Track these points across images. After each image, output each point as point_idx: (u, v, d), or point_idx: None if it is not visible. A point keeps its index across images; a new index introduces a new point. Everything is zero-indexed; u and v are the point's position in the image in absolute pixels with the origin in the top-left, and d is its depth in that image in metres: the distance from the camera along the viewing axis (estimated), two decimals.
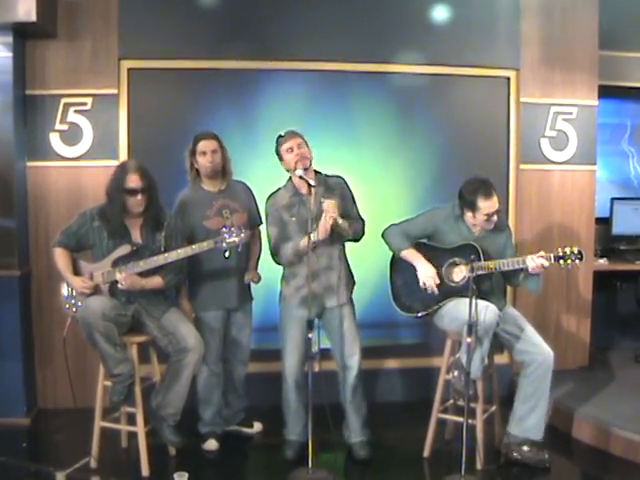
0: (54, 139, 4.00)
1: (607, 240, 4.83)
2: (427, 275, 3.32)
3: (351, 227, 3.34)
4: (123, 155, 4.01)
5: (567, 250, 3.17)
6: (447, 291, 3.32)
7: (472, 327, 3.03)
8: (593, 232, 4.48)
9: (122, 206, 3.17)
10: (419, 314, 3.39)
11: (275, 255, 3.43)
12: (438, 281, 3.31)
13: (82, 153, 4.01)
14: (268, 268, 3.61)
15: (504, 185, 4.31)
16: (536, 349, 3.25)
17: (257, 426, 3.81)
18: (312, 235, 3.15)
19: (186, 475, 2.97)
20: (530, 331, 3.31)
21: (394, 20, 4.17)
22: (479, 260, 3.21)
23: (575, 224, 4.41)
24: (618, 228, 4.83)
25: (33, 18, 3.61)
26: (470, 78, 4.31)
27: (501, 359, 4.09)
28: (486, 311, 3.09)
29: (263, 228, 3.57)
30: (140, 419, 3.25)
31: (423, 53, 4.21)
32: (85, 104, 3.99)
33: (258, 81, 4.17)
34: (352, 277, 3.53)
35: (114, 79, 4.01)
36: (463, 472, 3.03)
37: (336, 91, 4.21)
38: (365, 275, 3.63)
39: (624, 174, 5.11)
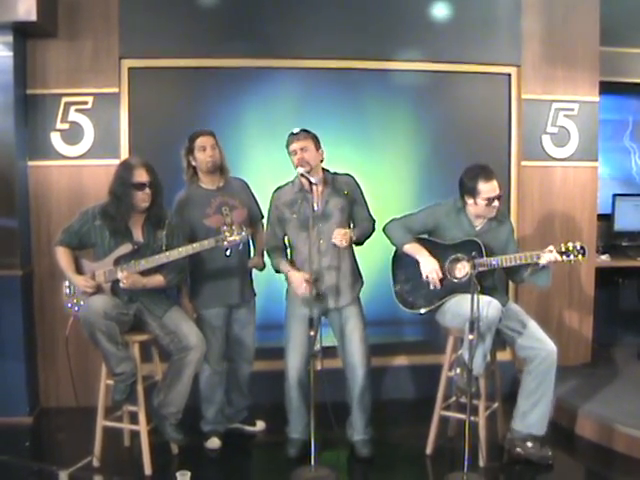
0: (55, 138, 4.00)
1: (609, 236, 4.82)
2: (430, 268, 3.30)
3: (359, 231, 3.37)
4: (124, 154, 4.00)
5: (570, 245, 3.17)
6: (449, 287, 3.32)
7: (474, 323, 3.03)
8: (595, 228, 4.47)
9: (130, 203, 3.17)
10: (422, 311, 3.38)
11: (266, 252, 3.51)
12: (441, 275, 3.31)
13: (83, 152, 4.02)
14: (270, 265, 3.60)
15: (506, 182, 4.29)
16: (539, 344, 3.24)
17: (259, 424, 3.81)
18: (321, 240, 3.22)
19: (188, 474, 2.97)
20: (533, 327, 3.30)
21: (395, 17, 4.17)
22: (481, 256, 3.20)
23: (577, 221, 4.41)
24: (620, 224, 4.81)
25: (33, 17, 3.62)
26: (471, 75, 4.31)
27: (504, 356, 4.10)
28: (488, 307, 3.09)
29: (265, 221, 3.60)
30: (142, 418, 3.25)
31: (424, 50, 4.21)
32: (86, 103, 4.00)
33: (259, 79, 4.16)
34: (359, 278, 3.50)
35: (115, 78, 4.01)
36: (466, 469, 3.03)
37: (336, 89, 4.21)
38: (369, 272, 3.61)
39: (626, 170, 5.10)
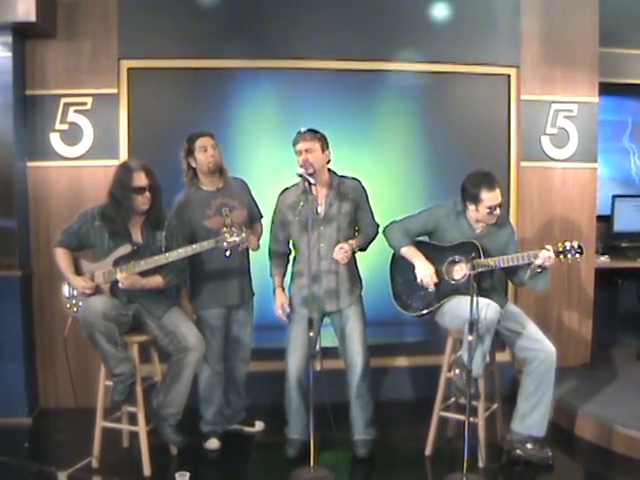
0: (54, 139, 4.00)
1: (608, 237, 4.82)
2: (425, 273, 3.30)
3: (362, 239, 3.38)
4: (123, 155, 4.01)
5: (567, 245, 3.17)
6: (448, 289, 3.32)
7: (473, 325, 3.03)
8: (594, 229, 4.47)
9: (130, 206, 3.17)
10: (422, 312, 3.38)
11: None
12: (436, 279, 3.30)
13: (82, 153, 4.01)
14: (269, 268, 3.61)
15: (505, 183, 4.28)
16: (539, 346, 3.24)
17: (259, 425, 3.81)
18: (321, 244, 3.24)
19: (188, 474, 2.96)
20: (532, 328, 3.30)
21: (395, 18, 4.16)
22: (479, 258, 3.20)
23: (576, 222, 4.40)
24: (619, 225, 4.81)
25: (33, 18, 3.62)
26: (470, 76, 4.31)
27: (503, 357, 4.10)
28: (487, 309, 3.09)
29: (264, 221, 3.61)
30: (141, 419, 3.25)
31: (423, 51, 4.20)
32: (85, 104, 3.99)
33: (259, 80, 4.16)
34: (359, 282, 3.48)
35: (114, 79, 4.01)
36: (465, 470, 3.03)
37: (336, 90, 4.21)
38: (368, 273, 3.61)
39: (625, 171, 5.10)
